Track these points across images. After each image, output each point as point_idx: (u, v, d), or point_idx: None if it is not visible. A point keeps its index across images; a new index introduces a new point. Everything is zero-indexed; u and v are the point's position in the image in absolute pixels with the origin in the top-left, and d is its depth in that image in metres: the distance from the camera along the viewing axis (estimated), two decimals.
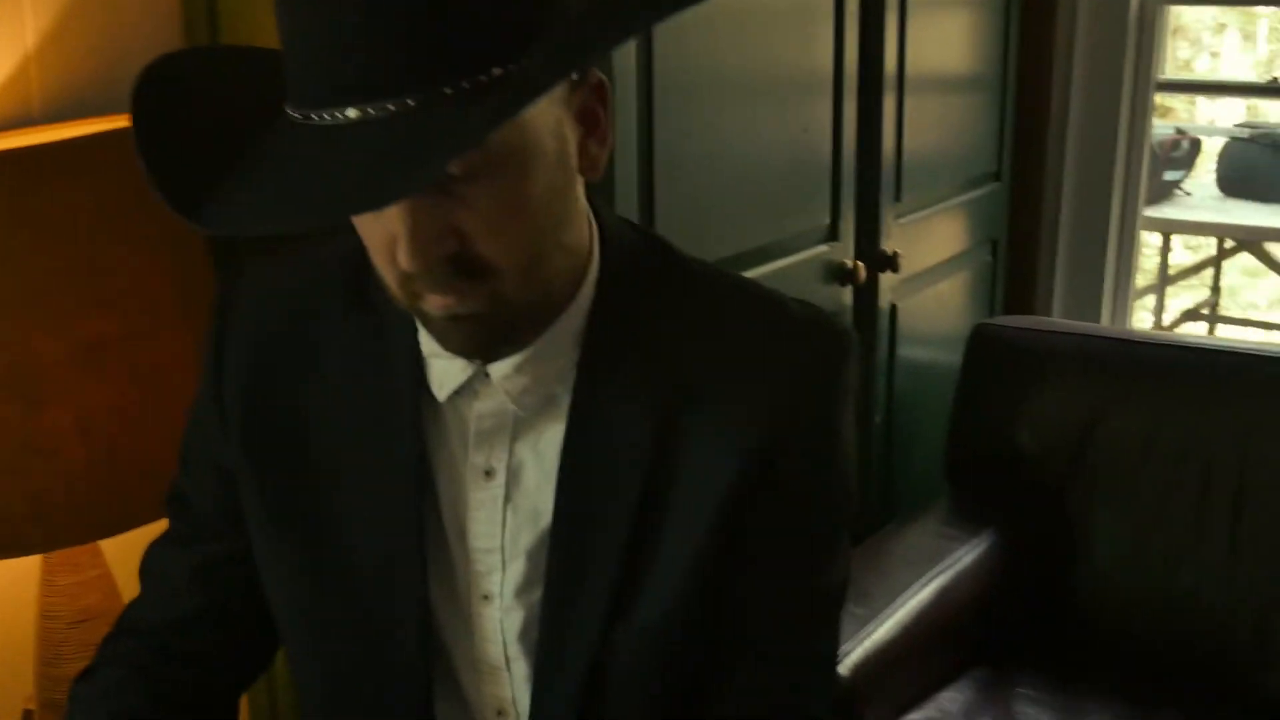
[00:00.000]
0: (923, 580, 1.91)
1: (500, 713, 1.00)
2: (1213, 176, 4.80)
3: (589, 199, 0.94)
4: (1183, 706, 1.87)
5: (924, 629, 1.86)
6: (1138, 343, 2.24)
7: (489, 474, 0.96)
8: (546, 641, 0.96)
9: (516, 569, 0.96)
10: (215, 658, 1.05)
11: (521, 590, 0.97)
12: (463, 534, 0.97)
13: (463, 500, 0.97)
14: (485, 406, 0.95)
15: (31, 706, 1.61)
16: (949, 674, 1.93)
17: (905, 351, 2.39)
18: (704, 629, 0.95)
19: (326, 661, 1.02)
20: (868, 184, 2.17)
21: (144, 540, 1.49)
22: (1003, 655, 2.00)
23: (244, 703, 1.92)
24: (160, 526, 1.13)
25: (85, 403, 1.29)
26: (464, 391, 0.96)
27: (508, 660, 0.98)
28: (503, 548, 0.96)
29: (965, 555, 2.00)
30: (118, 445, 1.32)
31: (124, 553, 1.56)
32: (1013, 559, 2.08)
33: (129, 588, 1.08)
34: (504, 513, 0.96)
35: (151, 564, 1.07)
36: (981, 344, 2.24)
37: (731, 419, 0.92)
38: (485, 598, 0.97)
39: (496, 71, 0.76)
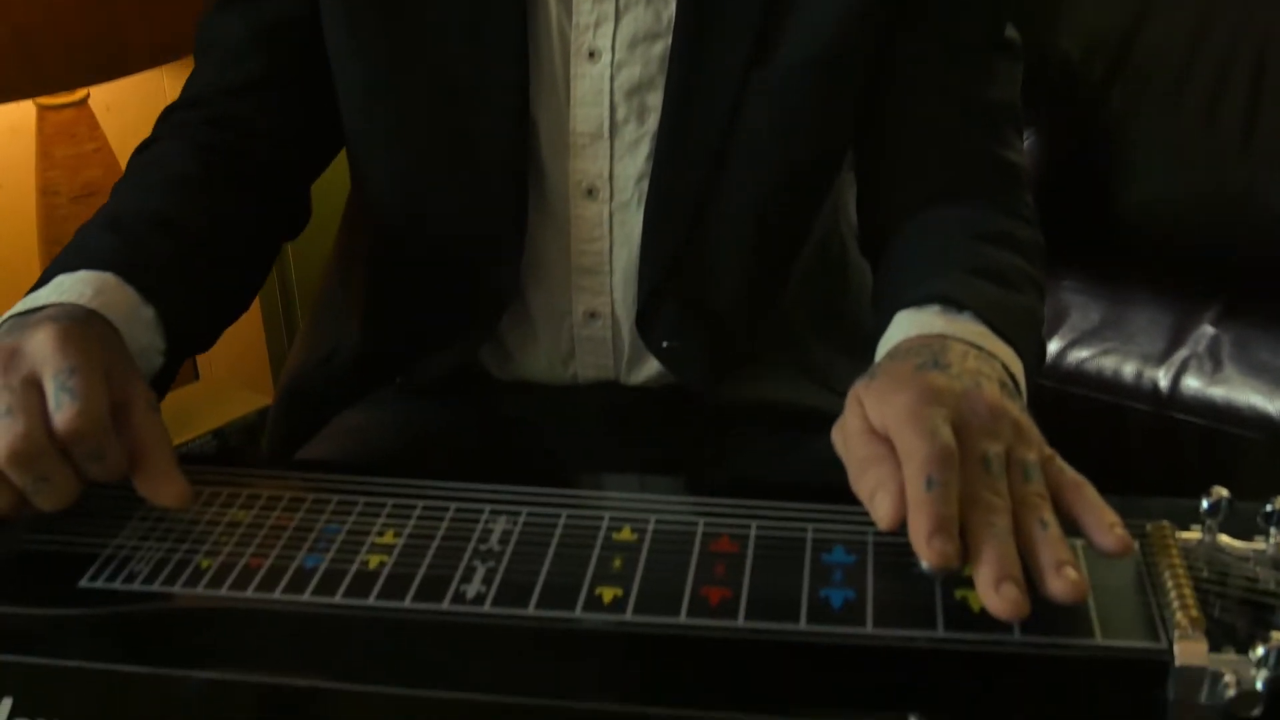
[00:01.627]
0: None
1: (590, 191, 0.91)
2: None
3: None
4: (1231, 300, 1.82)
5: None
6: None
7: None
8: (676, 88, 0.86)
9: (634, 17, 0.87)
10: (277, 131, 0.95)
11: (639, 41, 0.87)
12: None
13: None
14: None
15: None
16: None
17: None
18: (864, 63, 0.87)
19: (402, 141, 0.92)
20: None
21: (141, 110, 1.41)
22: (1047, 255, 1.93)
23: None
24: (153, 78, 1.03)
25: None
26: None
27: (612, 126, 0.89)
28: None
29: None
30: None
31: (122, 125, 1.49)
32: (1053, 162, 2.00)
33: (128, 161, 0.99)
34: None
35: (208, 32, 0.96)
36: None
37: None
38: (590, 55, 0.88)
39: None
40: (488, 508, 0.67)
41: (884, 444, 0.62)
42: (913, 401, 0.62)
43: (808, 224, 0.97)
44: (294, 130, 0.97)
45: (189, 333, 0.83)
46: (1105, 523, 0.60)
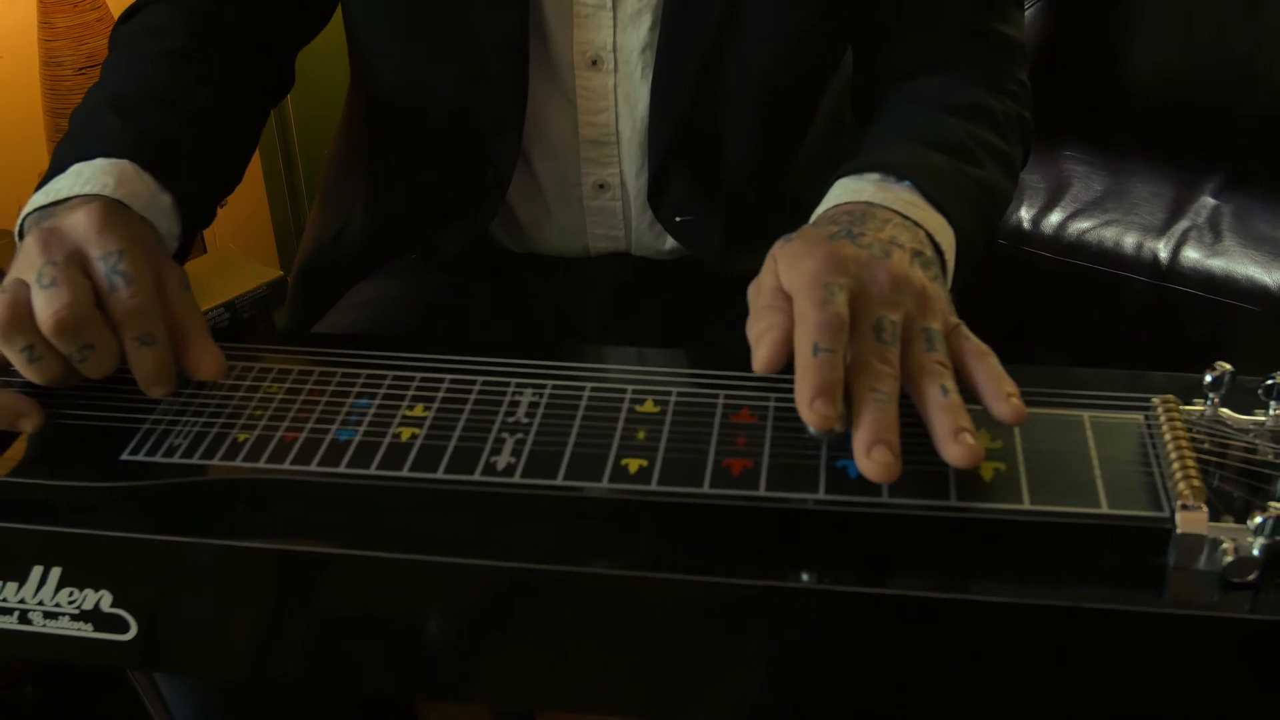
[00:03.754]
0: None
1: (595, 62, 0.91)
2: None
3: None
4: (1233, 170, 1.82)
5: None
6: None
7: None
8: None
9: None
10: (267, 5, 0.95)
11: None
12: None
13: None
14: None
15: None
16: None
17: None
18: None
19: (402, 12, 0.92)
20: None
21: None
22: (1049, 123, 1.92)
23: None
24: None
25: None
26: None
27: None
28: None
29: None
30: None
31: None
32: (1059, 26, 1.99)
33: None
34: None
35: None
36: None
37: None
38: None
39: None
40: (514, 380, 0.69)
41: (785, 301, 0.65)
42: (816, 268, 0.64)
43: (815, 94, 0.98)
44: (285, 5, 0.96)
45: (199, 213, 0.84)
46: (1003, 392, 0.62)
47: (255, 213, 1.86)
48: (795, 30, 0.90)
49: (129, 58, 0.89)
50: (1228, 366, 0.64)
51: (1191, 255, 1.58)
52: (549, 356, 0.70)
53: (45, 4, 1.38)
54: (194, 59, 0.88)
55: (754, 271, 1.00)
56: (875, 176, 0.78)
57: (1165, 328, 1.56)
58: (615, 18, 0.90)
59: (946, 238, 0.75)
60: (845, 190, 0.77)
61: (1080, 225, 1.64)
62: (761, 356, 0.63)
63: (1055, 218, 1.65)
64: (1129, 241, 1.60)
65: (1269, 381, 0.63)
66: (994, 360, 0.64)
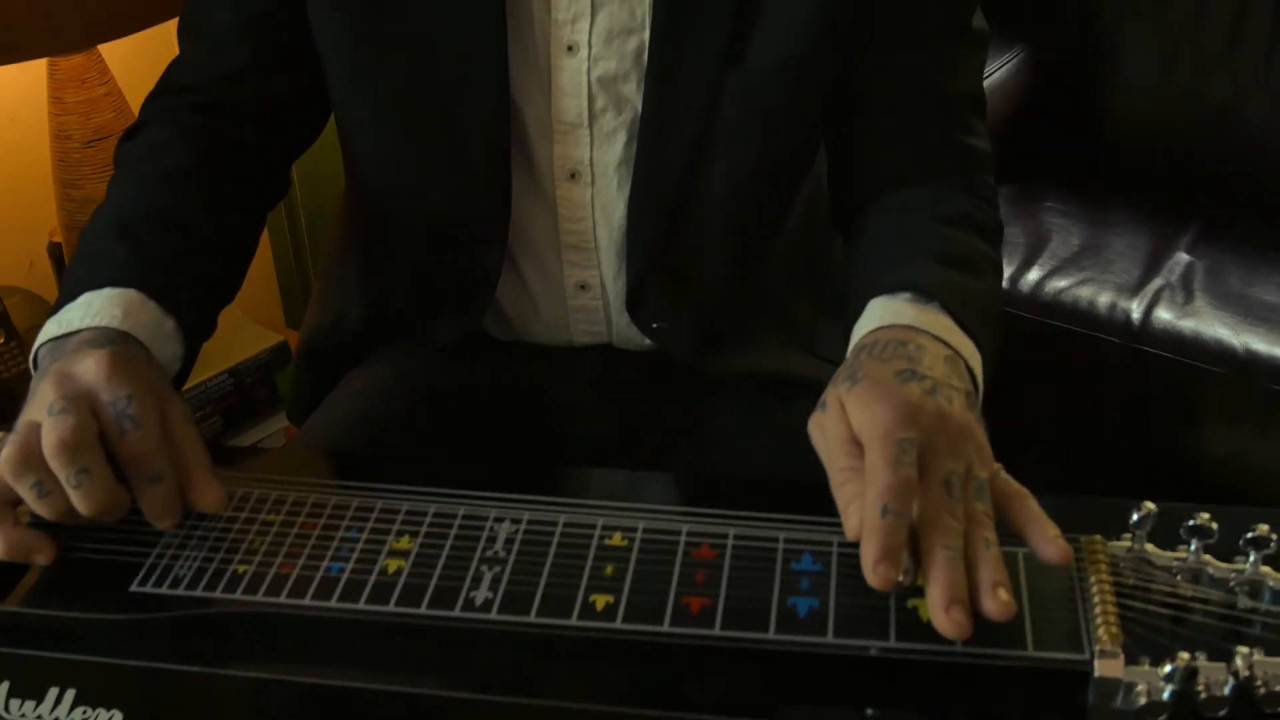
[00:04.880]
0: None
1: (573, 175, 0.96)
2: None
3: None
4: (1210, 220, 1.86)
5: None
6: None
7: None
8: (654, 86, 0.91)
9: (609, 14, 0.91)
10: (264, 116, 0.99)
11: (614, 37, 0.91)
12: None
13: None
14: None
15: (57, 239, 1.60)
16: None
17: None
18: (832, 65, 0.92)
19: (391, 129, 0.97)
20: None
21: (150, 55, 1.44)
22: (1031, 172, 1.97)
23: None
24: (166, 30, 1.05)
25: None
26: None
27: (591, 116, 0.94)
28: None
29: (994, 71, 1.96)
30: None
31: (132, 69, 1.52)
32: (1042, 75, 2.03)
33: (140, 105, 1.02)
34: None
35: (196, 16, 0.99)
36: None
37: None
38: (569, 49, 0.92)
39: None
40: (493, 511, 0.74)
41: (861, 456, 0.69)
42: (890, 420, 0.68)
43: (788, 203, 1.03)
44: (281, 114, 1.01)
45: (201, 329, 0.90)
46: (1049, 535, 0.67)
47: (261, 269, 1.91)
48: (766, 154, 0.95)
49: (133, 178, 0.94)
50: (1152, 506, 0.69)
51: (1163, 316, 1.62)
52: (528, 485, 0.76)
53: (55, 80, 1.43)
54: (194, 179, 0.94)
55: (728, 367, 1.06)
56: (907, 296, 0.83)
57: (1136, 390, 1.60)
58: (592, 135, 0.95)
59: (977, 363, 0.81)
60: (885, 312, 0.82)
61: (1057, 284, 1.68)
62: (852, 528, 0.68)
63: (1034, 275, 1.70)
64: (1103, 301, 1.65)
65: (1191, 521, 0.68)
66: (1033, 503, 0.69)
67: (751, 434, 1.04)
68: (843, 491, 0.70)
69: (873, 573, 0.64)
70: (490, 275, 1.01)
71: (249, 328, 1.57)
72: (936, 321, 0.81)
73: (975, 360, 0.81)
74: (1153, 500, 0.69)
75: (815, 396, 0.76)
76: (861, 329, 0.84)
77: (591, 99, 0.93)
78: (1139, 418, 1.61)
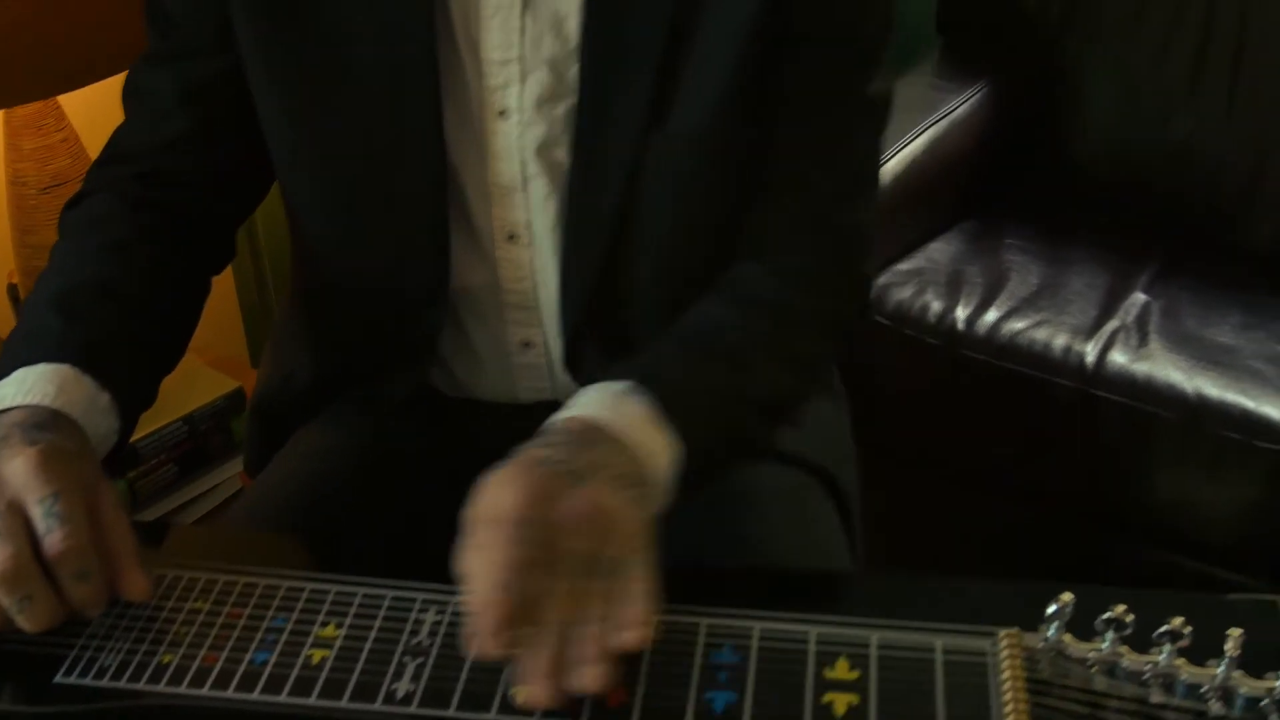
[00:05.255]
0: (914, 131, 1.87)
1: (512, 236, 0.97)
2: None
3: None
4: (1169, 258, 1.87)
5: (914, 180, 1.83)
6: None
7: None
8: (582, 150, 0.92)
9: (538, 80, 0.92)
10: (207, 184, 1.00)
11: (544, 102, 0.92)
12: (475, 46, 0.92)
13: (474, 7, 0.91)
14: None
15: (15, 280, 1.61)
16: (938, 227, 1.93)
17: None
18: (745, 134, 0.93)
19: (331, 194, 0.98)
20: None
21: (108, 101, 1.44)
22: (992, 208, 1.99)
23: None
24: (120, 81, 1.07)
25: None
26: None
27: (525, 179, 0.95)
28: (522, 58, 0.91)
29: (957, 106, 1.96)
30: None
31: (90, 115, 1.52)
32: (1005, 111, 2.04)
33: (97, 151, 1.03)
34: (522, 20, 0.90)
35: (138, 86, 1.00)
36: None
37: None
38: (501, 114, 0.93)
39: None
40: (420, 597, 0.75)
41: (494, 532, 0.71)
42: (514, 503, 0.71)
43: (720, 263, 1.03)
44: (225, 180, 1.02)
45: (138, 400, 0.90)
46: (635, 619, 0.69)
47: (224, 307, 1.91)
48: (692, 215, 0.96)
49: (74, 249, 0.95)
50: (1069, 597, 0.70)
51: (1117, 360, 1.63)
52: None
53: (11, 126, 1.43)
54: (134, 250, 0.94)
55: None
56: (622, 387, 0.83)
57: (1089, 433, 1.61)
58: (528, 198, 0.96)
59: (665, 458, 0.81)
60: (587, 401, 0.82)
61: (1014, 326, 1.69)
62: (471, 600, 0.70)
63: (990, 316, 1.71)
64: (1058, 344, 1.66)
65: (1106, 615, 0.69)
66: (643, 590, 0.70)
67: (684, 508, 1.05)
68: (464, 563, 0.71)
69: (477, 645, 0.68)
70: (433, 334, 1.01)
71: (204, 374, 1.58)
72: (628, 416, 0.81)
73: (663, 456, 0.81)
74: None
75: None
76: (561, 411, 0.83)
77: (524, 163, 0.94)
78: (1092, 461, 1.62)
